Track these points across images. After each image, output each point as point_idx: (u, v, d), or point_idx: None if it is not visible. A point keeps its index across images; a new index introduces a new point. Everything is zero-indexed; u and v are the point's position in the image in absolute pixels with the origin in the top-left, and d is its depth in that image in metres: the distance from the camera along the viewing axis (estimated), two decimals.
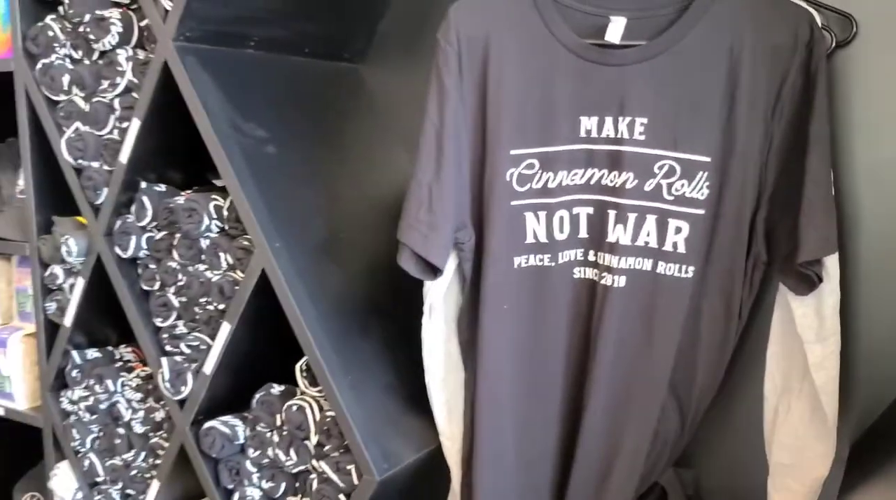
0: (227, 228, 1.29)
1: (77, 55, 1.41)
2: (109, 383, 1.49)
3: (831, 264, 1.03)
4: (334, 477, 1.19)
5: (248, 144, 1.24)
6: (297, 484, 1.29)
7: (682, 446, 1.20)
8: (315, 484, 1.23)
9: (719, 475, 1.31)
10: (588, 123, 1.07)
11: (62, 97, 1.43)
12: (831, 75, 1.15)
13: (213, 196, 1.30)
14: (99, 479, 1.55)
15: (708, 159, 1.04)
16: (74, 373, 1.54)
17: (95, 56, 1.39)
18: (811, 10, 1.03)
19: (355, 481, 1.18)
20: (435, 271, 1.12)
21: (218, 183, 1.37)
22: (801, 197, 1.00)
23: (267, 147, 1.27)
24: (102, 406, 1.51)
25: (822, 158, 1.00)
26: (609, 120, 1.06)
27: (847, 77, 1.16)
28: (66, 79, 1.41)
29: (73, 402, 1.55)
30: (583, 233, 1.11)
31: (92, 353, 1.56)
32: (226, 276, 1.28)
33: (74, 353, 1.55)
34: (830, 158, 1.02)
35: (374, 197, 1.43)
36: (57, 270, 1.52)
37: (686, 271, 1.07)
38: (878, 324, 1.17)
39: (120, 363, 1.56)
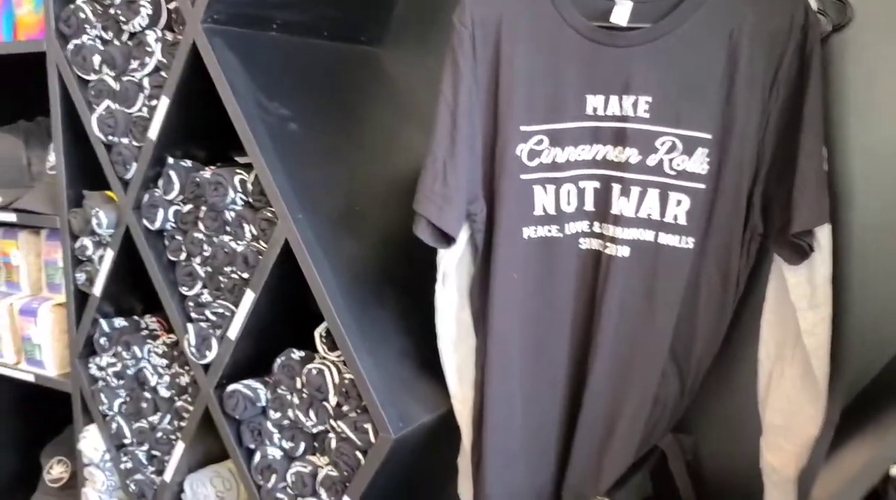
0: (251, 200, 1.35)
1: (107, 36, 1.48)
2: (136, 349, 1.56)
3: (823, 235, 1.09)
4: (352, 436, 1.27)
5: (272, 122, 1.31)
6: (317, 444, 1.36)
7: (682, 410, 1.26)
8: (334, 443, 1.31)
9: (717, 439, 1.37)
10: (594, 101, 1.13)
11: (93, 76, 1.50)
12: (828, 58, 1.21)
13: (238, 171, 1.36)
14: (126, 441, 1.63)
15: (709, 136, 1.10)
16: (102, 340, 1.62)
17: (125, 37, 1.46)
18: None
19: (372, 439, 1.25)
20: (448, 240, 1.19)
21: (241, 160, 1.44)
22: (794, 172, 1.07)
23: (290, 125, 1.34)
24: (129, 372, 1.59)
25: (815, 136, 1.06)
26: (615, 98, 1.12)
27: (843, 60, 1.21)
28: (96, 59, 1.48)
29: (101, 368, 1.62)
30: (589, 206, 1.17)
31: (119, 322, 1.63)
32: (250, 246, 1.35)
33: (102, 321, 1.62)
34: (823, 136, 1.08)
35: (389, 174, 1.50)
36: (87, 241, 1.59)
37: (686, 242, 1.13)
38: (869, 294, 1.23)
39: (146, 332, 1.63)
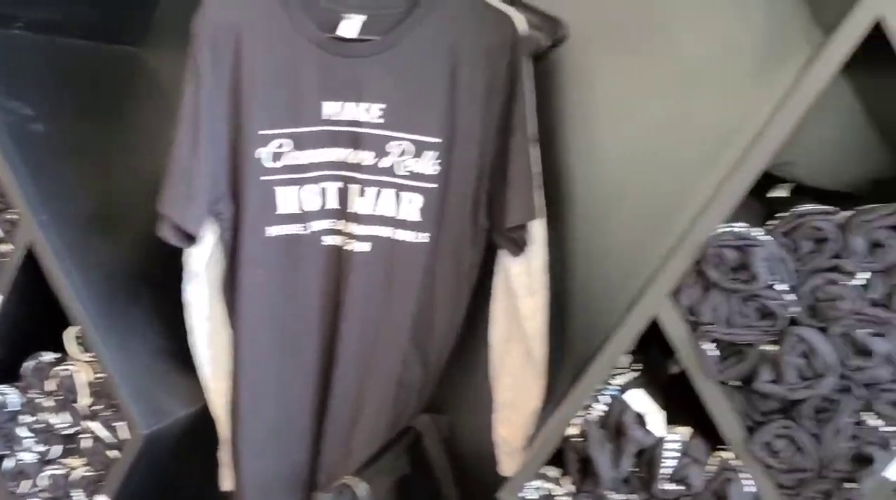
0: None
1: None
2: None
3: (536, 229, 1.22)
4: (104, 434, 1.28)
5: (13, 122, 1.28)
6: (72, 445, 1.35)
7: (429, 392, 1.36)
8: (87, 443, 1.31)
9: (470, 417, 1.48)
10: (331, 107, 1.21)
11: None
12: (549, 70, 1.36)
13: None
14: None
15: (437, 140, 1.21)
16: None
17: None
18: (517, 16, 1.21)
19: (124, 436, 1.27)
20: (192, 240, 1.22)
21: None
22: (507, 173, 1.20)
23: (34, 125, 1.32)
24: None
25: (524, 141, 1.19)
26: (350, 105, 1.20)
27: (563, 71, 1.37)
28: None
29: None
30: (330, 205, 1.25)
31: None
32: None
33: None
34: (533, 141, 1.21)
35: (149, 173, 1.49)
36: None
37: (421, 238, 1.24)
38: (590, 281, 1.40)
39: None
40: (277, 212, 1.23)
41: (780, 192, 1.08)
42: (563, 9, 1.31)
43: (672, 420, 1.01)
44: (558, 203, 1.39)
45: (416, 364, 1.31)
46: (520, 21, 1.20)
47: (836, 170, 1.25)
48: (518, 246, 1.22)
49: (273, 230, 1.24)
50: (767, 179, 1.18)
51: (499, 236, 1.24)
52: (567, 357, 1.40)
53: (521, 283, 1.25)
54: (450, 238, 1.25)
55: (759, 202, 1.07)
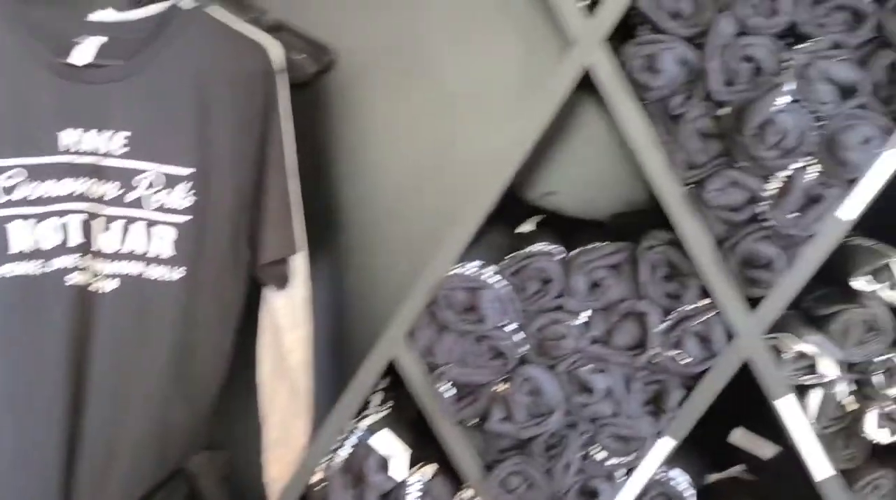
0: None
1: None
2: None
3: (298, 262, 1.20)
4: None
5: None
6: None
7: (202, 431, 1.28)
8: None
9: (254, 454, 1.44)
10: (69, 137, 1.12)
11: None
12: (318, 96, 1.34)
13: None
14: None
15: (190, 171, 1.14)
16: None
17: None
18: (272, 43, 1.17)
19: None
20: None
21: None
22: (264, 207, 1.16)
23: None
24: None
25: (280, 172, 1.17)
26: (91, 134, 1.12)
27: (332, 98, 1.35)
28: None
29: None
30: (73, 241, 1.15)
31: None
32: None
33: None
34: (289, 171, 1.18)
35: None
36: None
37: (175, 273, 1.17)
38: (367, 308, 1.38)
39: None
40: (10, 250, 1.13)
41: (527, 227, 1.10)
42: (332, 35, 1.30)
43: (425, 456, 1.01)
44: (331, 231, 1.37)
45: (180, 403, 1.24)
46: (274, 49, 1.17)
47: (596, 200, 1.30)
48: (279, 280, 1.19)
49: (5, 270, 1.13)
50: (530, 210, 1.22)
51: (259, 271, 1.20)
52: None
53: (285, 315, 1.23)
54: (209, 272, 1.19)
55: (512, 238, 1.09)
